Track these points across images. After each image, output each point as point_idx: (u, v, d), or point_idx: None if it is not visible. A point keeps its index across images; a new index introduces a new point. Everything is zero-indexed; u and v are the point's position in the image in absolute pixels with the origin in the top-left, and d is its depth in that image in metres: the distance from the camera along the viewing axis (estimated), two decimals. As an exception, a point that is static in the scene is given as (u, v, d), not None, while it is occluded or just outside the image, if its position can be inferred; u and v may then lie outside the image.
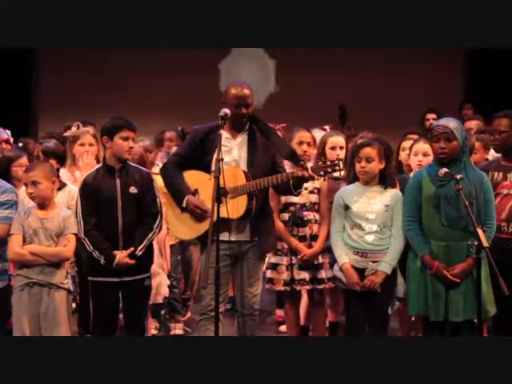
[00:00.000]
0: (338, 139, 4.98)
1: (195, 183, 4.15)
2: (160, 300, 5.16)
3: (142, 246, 4.15)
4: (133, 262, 4.12)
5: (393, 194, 4.23)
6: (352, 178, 4.34)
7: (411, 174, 4.81)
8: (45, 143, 4.99)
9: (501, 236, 4.27)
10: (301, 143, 4.74)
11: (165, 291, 5.14)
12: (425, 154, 4.81)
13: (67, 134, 5.24)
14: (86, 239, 4.12)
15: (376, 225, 4.18)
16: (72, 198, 4.51)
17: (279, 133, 5.95)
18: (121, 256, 4.09)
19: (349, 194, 4.28)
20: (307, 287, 4.64)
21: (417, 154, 4.82)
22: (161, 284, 5.05)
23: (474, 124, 6.45)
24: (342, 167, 3.93)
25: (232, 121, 4.10)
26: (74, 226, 4.19)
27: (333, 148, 4.90)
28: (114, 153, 4.17)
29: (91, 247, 4.11)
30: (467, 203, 3.69)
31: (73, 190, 4.58)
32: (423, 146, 4.83)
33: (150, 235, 4.20)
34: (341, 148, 4.91)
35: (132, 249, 4.12)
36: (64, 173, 4.85)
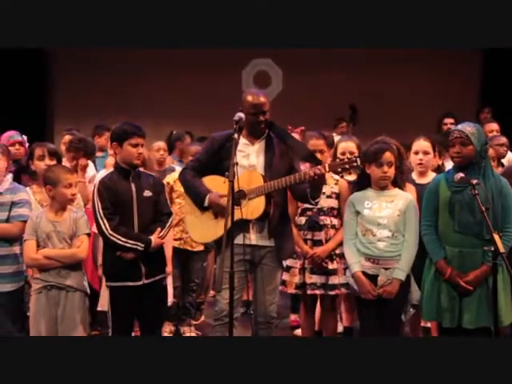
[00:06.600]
0: (348, 144, 4.91)
1: (213, 188, 4.14)
2: None
3: (162, 234, 4.18)
4: (162, 241, 4.18)
5: (405, 199, 4.14)
6: (364, 183, 4.23)
7: (413, 174, 4.76)
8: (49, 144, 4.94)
9: None
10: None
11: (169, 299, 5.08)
12: (425, 153, 4.71)
13: None
14: (115, 234, 4.07)
15: (388, 230, 4.07)
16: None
17: (297, 135, 5.98)
18: (154, 237, 4.13)
19: (360, 199, 4.18)
20: (318, 292, 4.59)
21: (417, 152, 4.73)
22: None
23: (495, 126, 6.45)
24: (359, 163, 3.89)
25: (250, 128, 4.14)
26: (86, 226, 4.23)
27: (343, 153, 4.85)
28: (123, 159, 4.18)
29: (123, 239, 4.07)
30: (483, 209, 3.62)
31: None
32: (423, 144, 4.73)
33: (164, 230, 4.22)
34: (350, 153, 4.79)
35: (159, 229, 4.16)
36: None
